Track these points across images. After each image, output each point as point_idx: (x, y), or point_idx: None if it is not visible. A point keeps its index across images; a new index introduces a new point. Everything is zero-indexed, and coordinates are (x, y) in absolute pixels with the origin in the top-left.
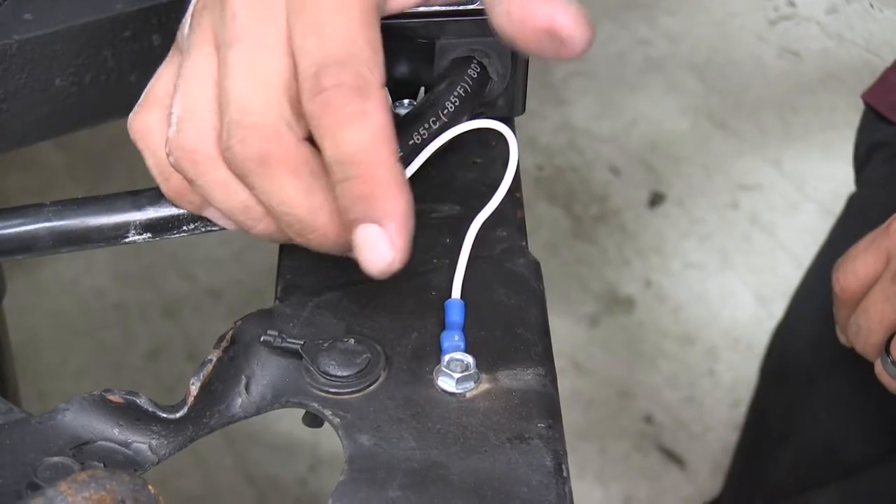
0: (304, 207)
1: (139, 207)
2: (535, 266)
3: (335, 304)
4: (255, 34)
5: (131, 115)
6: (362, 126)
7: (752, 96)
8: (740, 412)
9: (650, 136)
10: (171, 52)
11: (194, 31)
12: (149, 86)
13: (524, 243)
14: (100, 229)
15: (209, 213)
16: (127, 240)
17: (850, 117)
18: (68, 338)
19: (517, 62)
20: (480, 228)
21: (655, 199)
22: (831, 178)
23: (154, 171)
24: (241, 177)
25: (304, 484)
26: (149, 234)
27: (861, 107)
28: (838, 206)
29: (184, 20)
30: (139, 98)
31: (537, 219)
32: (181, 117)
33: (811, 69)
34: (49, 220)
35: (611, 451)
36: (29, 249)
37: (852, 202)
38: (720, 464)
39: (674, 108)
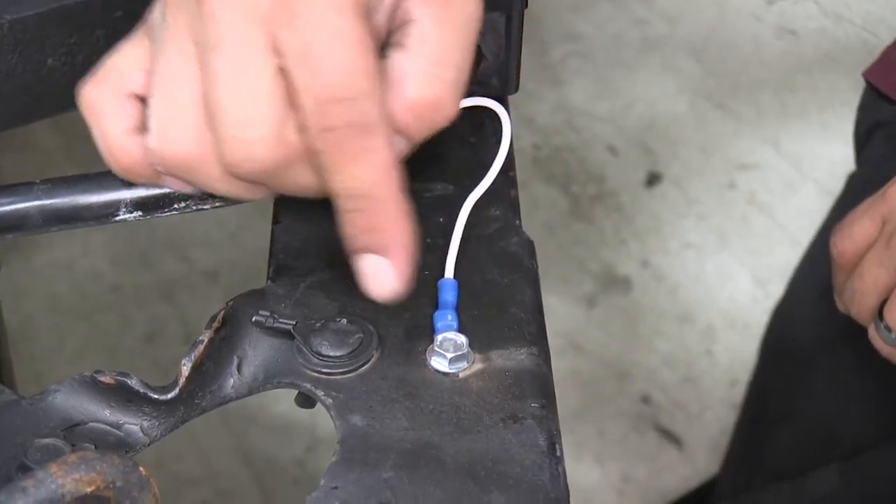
0: (318, 188)
1: (130, 185)
2: (529, 245)
3: (328, 285)
4: (239, 37)
5: (84, 84)
6: (370, 163)
7: (750, 76)
8: (738, 392)
9: (647, 117)
10: (138, 31)
11: (168, 25)
12: (107, 58)
13: (518, 222)
14: (90, 207)
15: (167, 182)
16: (118, 218)
17: (848, 97)
18: (65, 321)
19: (510, 40)
20: (474, 207)
21: (653, 180)
22: (829, 157)
23: (101, 147)
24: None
25: (302, 465)
26: (139, 213)
27: (859, 86)
28: (836, 185)
29: (153, 3)
30: None
31: (534, 199)
32: (164, 126)
33: (809, 49)
34: (39, 198)
35: (608, 431)
36: (19, 228)
37: (852, 181)
38: (718, 444)
39: (671, 89)
